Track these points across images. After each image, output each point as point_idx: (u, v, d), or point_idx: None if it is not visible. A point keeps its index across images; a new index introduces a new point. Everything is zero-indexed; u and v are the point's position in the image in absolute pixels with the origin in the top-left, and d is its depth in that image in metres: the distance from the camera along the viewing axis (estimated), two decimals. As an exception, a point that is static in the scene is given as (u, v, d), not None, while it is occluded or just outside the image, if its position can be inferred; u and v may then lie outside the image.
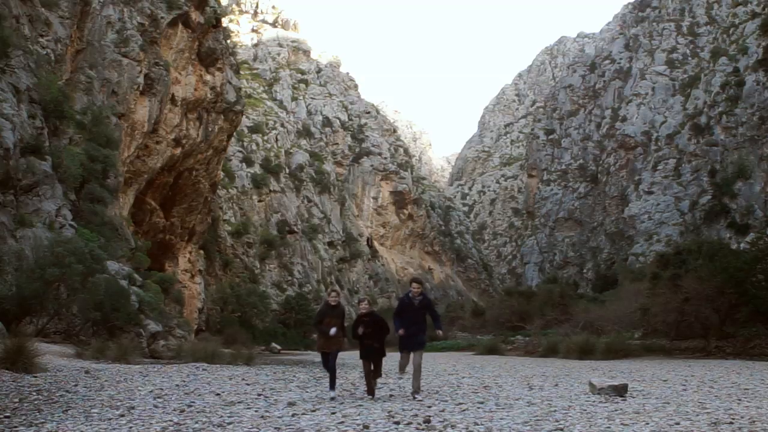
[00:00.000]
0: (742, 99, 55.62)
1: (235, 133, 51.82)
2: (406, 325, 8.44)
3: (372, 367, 8.53)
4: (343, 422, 5.86)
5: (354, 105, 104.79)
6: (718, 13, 75.32)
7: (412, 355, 8.54)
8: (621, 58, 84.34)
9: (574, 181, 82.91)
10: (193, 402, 7.34)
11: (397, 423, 5.82)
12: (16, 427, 5.48)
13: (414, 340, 8.49)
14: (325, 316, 8.68)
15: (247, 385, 9.47)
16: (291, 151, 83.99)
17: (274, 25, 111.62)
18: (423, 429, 5.55)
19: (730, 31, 68.35)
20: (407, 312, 8.55)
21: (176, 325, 20.15)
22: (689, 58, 74.76)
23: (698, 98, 64.40)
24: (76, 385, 8.10)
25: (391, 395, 8.37)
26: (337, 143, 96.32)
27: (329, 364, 8.66)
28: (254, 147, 78.35)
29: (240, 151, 74.54)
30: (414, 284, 8.83)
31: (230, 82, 43.94)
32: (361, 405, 7.17)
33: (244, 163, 73.86)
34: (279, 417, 6.35)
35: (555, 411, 6.39)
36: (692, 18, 78.37)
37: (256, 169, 75.07)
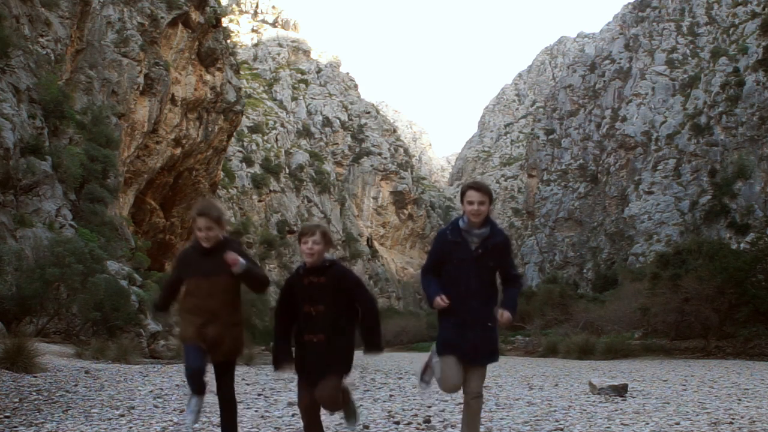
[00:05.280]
0: (742, 99, 55.65)
1: (235, 133, 51.86)
2: (455, 295, 3.85)
3: (311, 398, 3.85)
4: (342, 423, 5.84)
5: (354, 105, 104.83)
6: (718, 13, 75.35)
7: (468, 374, 3.90)
8: (621, 58, 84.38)
9: (574, 181, 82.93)
10: (193, 402, 7.32)
11: (397, 423, 5.81)
12: (16, 427, 5.48)
13: (471, 336, 3.85)
14: (189, 272, 3.90)
15: (247, 385, 9.47)
16: (291, 151, 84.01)
17: (274, 25, 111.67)
18: (423, 429, 5.55)
19: (730, 31, 68.39)
20: (454, 263, 3.90)
21: (176, 325, 20.15)
22: (689, 58, 74.79)
23: (698, 98, 64.42)
24: (76, 385, 8.10)
25: (391, 395, 8.36)
26: (337, 143, 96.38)
27: (195, 380, 4.09)
28: (254, 147, 78.36)
29: (240, 151, 74.58)
30: (471, 194, 3.87)
31: (230, 82, 43.96)
32: (360, 405, 7.16)
33: (244, 163, 73.93)
34: (279, 417, 6.35)
35: (555, 411, 6.39)
36: (692, 18, 78.39)
37: (256, 169, 75.10)
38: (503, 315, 3.91)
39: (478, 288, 3.90)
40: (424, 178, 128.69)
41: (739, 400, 6.87)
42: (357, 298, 3.85)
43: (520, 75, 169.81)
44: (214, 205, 3.80)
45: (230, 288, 3.91)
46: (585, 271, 72.36)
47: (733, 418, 5.45)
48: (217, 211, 3.83)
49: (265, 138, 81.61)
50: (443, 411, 6.66)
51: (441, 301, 3.84)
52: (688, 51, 75.90)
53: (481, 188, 3.95)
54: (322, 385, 3.77)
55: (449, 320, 3.94)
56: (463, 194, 3.99)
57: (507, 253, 4.06)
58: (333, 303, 3.78)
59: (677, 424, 5.28)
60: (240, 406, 7.01)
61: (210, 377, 4.27)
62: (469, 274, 3.90)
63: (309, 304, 3.79)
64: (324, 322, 3.76)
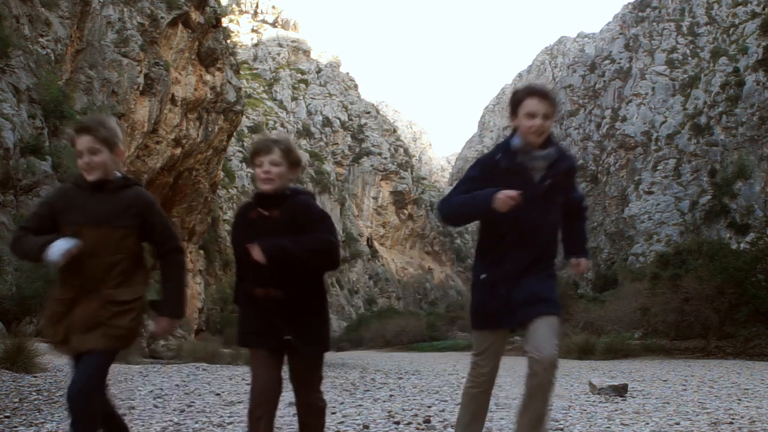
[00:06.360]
0: (742, 99, 55.66)
1: (235, 133, 51.85)
2: (505, 247, 2.77)
3: (275, 377, 2.87)
4: (343, 422, 5.85)
5: (354, 105, 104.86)
6: (718, 13, 75.36)
7: (529, 331, 2.69)
8: (621, 58, 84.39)
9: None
10: (193, 402, 7.34)
11: (397, 423, 5.81)
12: (16, 427, 5.48)
13: (521, 288, 2.72)
14: (68, 216, 2.57)
15: (248, 385, 9.47)
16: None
17: (274, 25, 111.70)
18: (423, 429, 5.54)
19: (730, 31, 68.39)
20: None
21: (176, 324, 20.16)
22: (689, 58, 74.79)
23: (698, 98, 64.44)
24: (76, 385, 8.10)
25: (391, 395, 8.36)
26: (337, 143, 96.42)
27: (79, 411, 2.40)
28: (254, 147, 78.44)
29: (240, 151, 74.61)
30: (532, 103, 2.75)
31: (230, 82, 43.96)
32: (360, 405, 7.17)
33: (244, 163, 73.92)
34: (279, 417, 6.34)
35: (555, 411, 6.39)
36: (692, 18, 78.39)
37: (256, 169, 75.22)
38: (580, 264, 2.93)
39: (540, 237, 2.76)
40: (424, 178, 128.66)
41: (739, 400, 6.87)
42: (309, 229, 2.68)
43: (520, 75, 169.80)
44: (104, 120, 2.66)
45: (127, 246, 2.61)
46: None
47: (733, 418, 5.45)
48: (106, 129, 2.62)
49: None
50: (443, 411, 6.66)
51: (508, 197, 2.56)
52: (688, 51, 75.91)
53: (547, 95, 2.80)
54: (311, 395, 2.90)
55: (487, 279, 2.82)
56: (518, 104, 2.78)
57: (574, 180, 3.01)
58: (289, 237, 2.65)
59: (677, 424, 5.28)
60: (240, 406, 7.01)
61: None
62: (529, 218, 2.70)
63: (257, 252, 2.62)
64: (274, 271, 2.65)
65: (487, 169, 2.83)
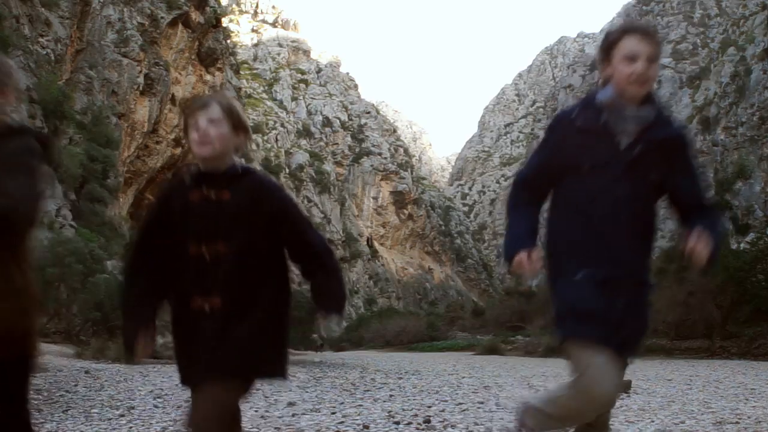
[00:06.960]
0: (744, 98, 55.70)
1: (235, 133, 51.91)
2: (586, 229, 2.03)
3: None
4: (343, 422, 5.81)
5: (354, 105, 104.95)
6: (728, 4, 75.43)
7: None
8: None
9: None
10: (193, 402, 7.30)
11: (397, 423, 5.77)
12: (14, 427, 5.44)
13: (621, 302, 1.98)
14: None
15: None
16: (291, 151, 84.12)
17: (274, 25, 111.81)
18: (423, 429, 5.50)
19: (740, 23, 68.53)
20: (585, 170, 2.04)
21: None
22: (699, 49, 74.91)
23: (708, 89, 64.47)
24: (76, 385, 8.08)
25: (391, 395, 8.32)
26: (337, 143, 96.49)
27: None
28: (254, 147, 78.40)
29: (240, 151, 74.79)
30: (632, 44, 2.03)
31: (230, 82, 44.00)
32: (361, 405, 7.13)
33: (242, 160, 74.12)
34: (279, 417, 6.31)
35: (558, 410, 6.36)
36: (703, 10, 78.52)
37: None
38: (700, 238, 1.97)
39: (629, 218, 2.06)
40: (424, 178, 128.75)
41: (746, 399, 6.83)
42: (298, 233, 1.99)
43: (520, 75, 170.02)
44: None
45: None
46: (586, 270, 72.44)
47: (739, 418, 5.41)
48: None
49: (265, 138, 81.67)
50: (443, 411, 6.62)
51: (525, 262, 2.01)
52: (698, 41, 76.02)
53: (650, 33, 2.12)
54: (199, 398, 1.92)
55: (580, 271, 2.04)
56: (612, 46, 2.16)
57: (686, 160, 2.16)
58: (245, 238, 1.91)
59: (682, 422, 5.25)
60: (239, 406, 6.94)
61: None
62: (613, 192, 2.04)
63: (199, 239, 1.90)
64: (226, 273, 1.88)
65: (560, 129, 2.19)
